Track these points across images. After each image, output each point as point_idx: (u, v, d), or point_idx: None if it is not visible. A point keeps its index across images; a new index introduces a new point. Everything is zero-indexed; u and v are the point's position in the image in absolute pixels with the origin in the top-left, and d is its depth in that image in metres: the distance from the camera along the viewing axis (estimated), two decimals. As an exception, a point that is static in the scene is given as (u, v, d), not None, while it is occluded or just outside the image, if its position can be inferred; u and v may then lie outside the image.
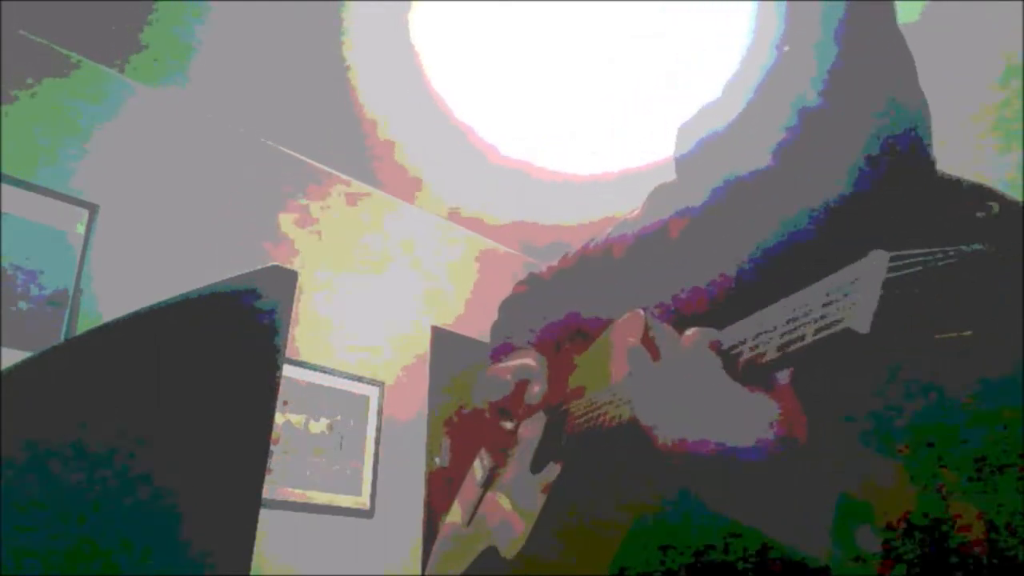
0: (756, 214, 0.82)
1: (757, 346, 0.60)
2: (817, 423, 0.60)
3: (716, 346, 0.63)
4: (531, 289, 1.25)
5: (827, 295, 0.54)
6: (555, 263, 1.24)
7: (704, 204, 0.91)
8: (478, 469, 1.19)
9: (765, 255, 0.81)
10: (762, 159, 0.78)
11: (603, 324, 1.08)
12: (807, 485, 0.58)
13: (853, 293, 0.51)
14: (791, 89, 0.76)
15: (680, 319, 0.86)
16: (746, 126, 0.80)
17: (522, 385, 1.04)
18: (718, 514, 0.64)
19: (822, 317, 0.53)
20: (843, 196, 0.75)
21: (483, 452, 1.20)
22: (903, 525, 0.55)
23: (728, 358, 0.62)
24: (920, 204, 0.72)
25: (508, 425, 1.08)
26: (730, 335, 0.64)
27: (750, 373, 0.60)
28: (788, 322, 0.57)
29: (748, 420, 0.59)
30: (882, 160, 0.74)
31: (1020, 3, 2.36)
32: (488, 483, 1.12)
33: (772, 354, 0.57)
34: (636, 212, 1.08)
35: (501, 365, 1.10)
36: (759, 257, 0.82)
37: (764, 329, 0.60)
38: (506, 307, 1.27)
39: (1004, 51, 2.60)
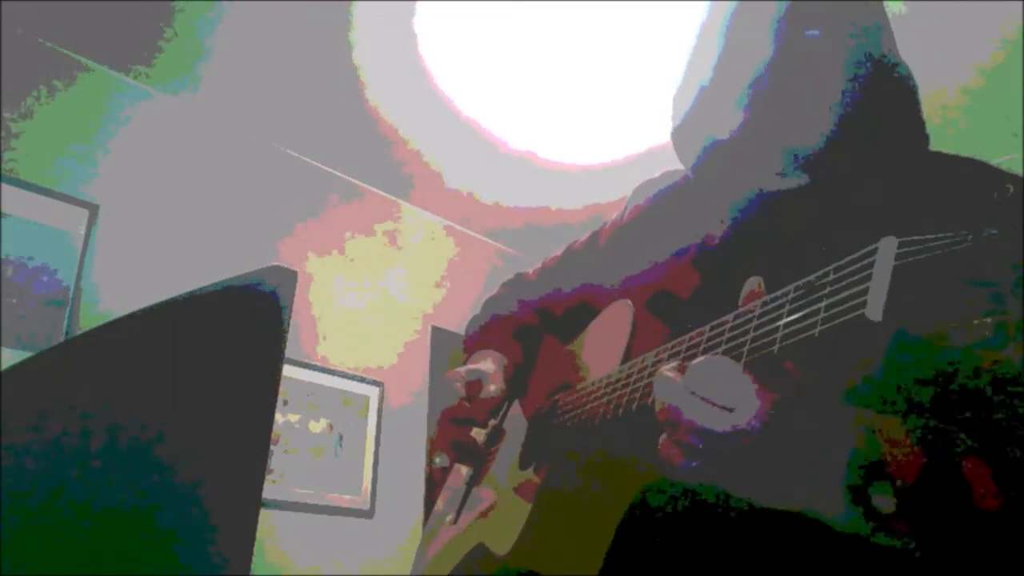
0: (737, 179, 0.82)
1: (760, 339, 0.58)
2: (819, 396, 0.59)
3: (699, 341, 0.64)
4: (515, 290, 1.26)
5: (831, 283, 0.53)
6: (539, 265, 1.26)
7: (686, 176, 0.94)
8: (462, 467, 1.16)
9: (748, 225, 0.81)
10: (737, 115, 0.79)
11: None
12: (813, 448, 0.58)
13: (861, 280, 0.49)
14: (756, 39, 0.79)
15: (665, 300, 0.86)
16: (720, 84, 0.82)
17: (475, 386, 1.02)
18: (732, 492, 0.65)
19: (830, 307, 0.52)
20: (827, 150, 0.76)
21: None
22: (917, 482, 0.54)
23: (733, 355, 0.61)
24: (918, 181, 0.71)
25: (480, 435, 1.05)
26: (728, 328, 0.63)
27: (756, 366, 0.59)
28: (792, 310, 0.56)
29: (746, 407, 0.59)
30: (861, 90, 0.76)
31: (1020, 2, 2.36)
32: (477, 479, 1.11)
33: (778, 347, 0.56)
34: (626, 213, 1.09)
35: (450, 372, 1.07)
36: (742, 228, 0.82)
37: (765, 319, 0.59)
38: (490, 306, 1.28)
39: (1001, 49, 2.59)
